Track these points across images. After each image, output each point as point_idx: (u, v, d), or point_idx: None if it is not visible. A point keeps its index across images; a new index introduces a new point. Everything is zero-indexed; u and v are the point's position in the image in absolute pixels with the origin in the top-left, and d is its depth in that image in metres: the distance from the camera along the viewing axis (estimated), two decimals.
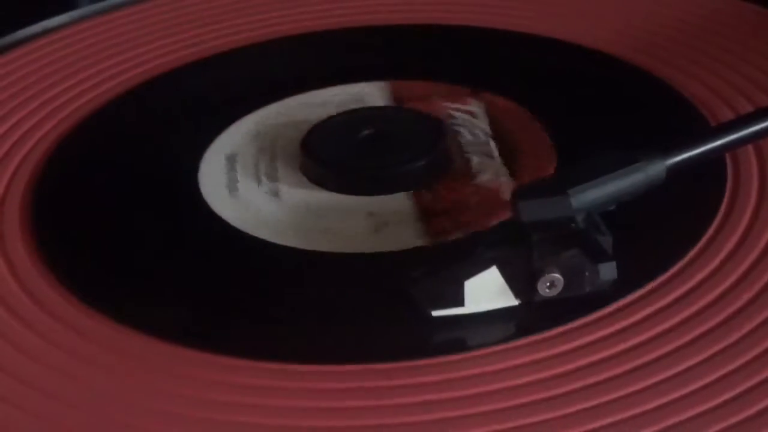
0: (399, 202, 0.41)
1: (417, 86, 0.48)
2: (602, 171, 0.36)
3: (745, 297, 0.36)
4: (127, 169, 0.44)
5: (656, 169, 0.37)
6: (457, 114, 0.46)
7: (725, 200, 0.40)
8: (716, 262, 0.37)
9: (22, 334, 0.36)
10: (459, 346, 0.34)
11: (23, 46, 0.53)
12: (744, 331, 0.34)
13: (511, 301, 0.35)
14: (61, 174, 0.44)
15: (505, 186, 0.41)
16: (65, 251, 0.40)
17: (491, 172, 0.42)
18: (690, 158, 0.37)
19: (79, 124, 0.47)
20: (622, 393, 0.32)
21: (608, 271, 0.34)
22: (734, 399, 0.32)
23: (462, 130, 0.45)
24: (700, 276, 0.37)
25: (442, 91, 0.47)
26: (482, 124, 0.45)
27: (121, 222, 0.41)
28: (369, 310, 0.36)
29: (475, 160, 0.43)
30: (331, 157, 0.43)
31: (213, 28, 0.53)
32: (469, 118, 0.45)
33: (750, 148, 0.42)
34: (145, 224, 0.41)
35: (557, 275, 0.34)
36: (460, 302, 0.35)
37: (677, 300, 0.36)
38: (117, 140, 0.46)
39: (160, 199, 0.42)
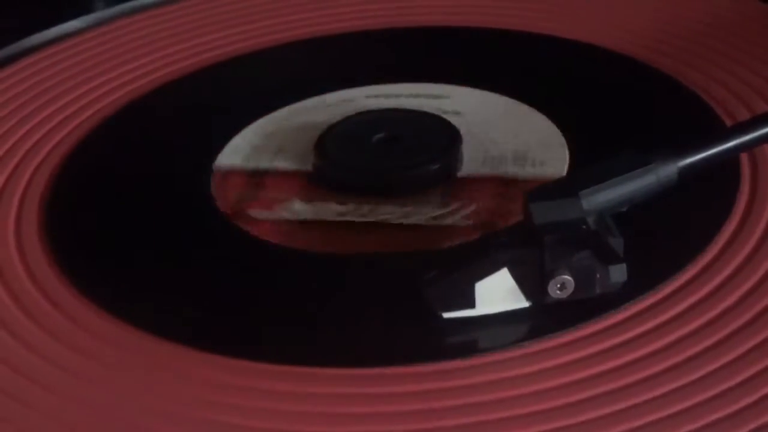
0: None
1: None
2: (613, 173, 0.36)
3: (763, 302, 0.36)
4: (142, 172, 0.44)
5: (668, 171, 0.36)
6: None
7: (742, 203, 0.40)
8: (733, 265, 0.37)
9: (34, 333, 0.36)
10: (470, 350, 0.34)
11: (40, 51, 0.53)
12: (761, 337, 0.34)
13: (522, 302, 0.35)
14: (79, 177, 0.44)
15: None
16: (80, 253, 0.40)
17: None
18: (702, 160, 0.37)
19: (95, 129, 0.47)
20: (637, 400, 0.32)
21: (618, 273, 0.34)
22: (755, 404, 0.32)
23: None
24: (716, 281, 0.37)
25: None
26: None
27: (136, 226, 0.41)
28: (383, 313, 0.36)
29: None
30: (345, 159, 0.43)
31: (223, 33, 0.54)
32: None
33: (766, 149, 0.42)
34: (160, 228, 0.41)
35: (568, 277, 0.34)
36: (471, 304, 0.35)
37: (693, 305, 0.36)
38: (130, 145, 0.46)
39: (173, 202, 0.42)
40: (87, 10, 0.55)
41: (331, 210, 0.41)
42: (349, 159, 0.43)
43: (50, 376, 0.34)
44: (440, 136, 0.43)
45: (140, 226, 0.41)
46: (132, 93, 0.49)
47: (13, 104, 0.49)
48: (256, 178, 0.43)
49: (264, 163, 0.44)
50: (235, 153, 0.44)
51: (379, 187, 0.42)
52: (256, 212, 0.41)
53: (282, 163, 0.44)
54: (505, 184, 0.42)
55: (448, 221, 0.40)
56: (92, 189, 0.44)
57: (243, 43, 0.53)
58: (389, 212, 0.40)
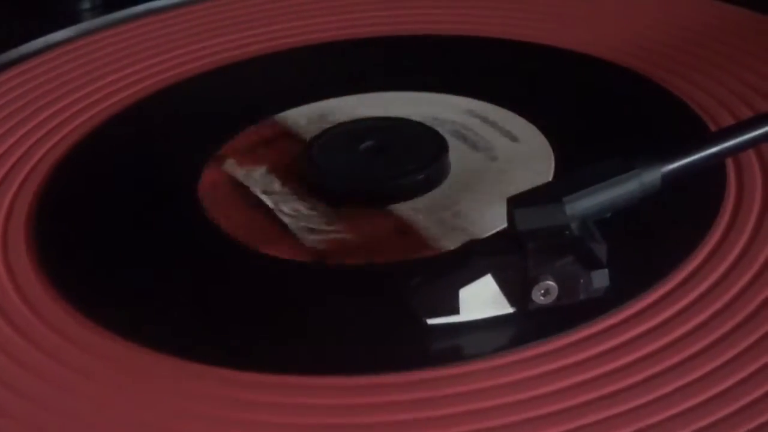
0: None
1: None
2: (597, 179, 0.36)
3: (749, 307, 0.36)
4: (131, 184, 0.44)
5: (651, 176, 0.37)
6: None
7: (729, 207, 0.40)
8: (721, 270, 0.37)
9: (20, 345, 0.36)
10: (456, 357, 0.35)
11: (29, 60, 0.53)
12: (747, 342, 0.34)
13: (506, 308, 0.35)
14: (67, 189, 0.44)
15: None
16: (68, 265, 0.40)
17: None
18: (686, 165, 0.37)
19: (83, 139, 0.47)
20: (629, 405, 0.32)
21: (601, 278, 0.34)
22: (738, 411, 0.32)
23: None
24: (704, 285, 0.37)
25: None
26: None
27: (124, 236, 0.41)
28: (367, 321, 0.36)
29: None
30: (337, 168, 0.43)
31: (212, 42, 0.54)
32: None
33: (752, 155, 0.42)
34: (150, 238, 0.41)
35: (551, 283, 0.34)
36: (456, 310, 0.35)
37: (681, 311, 0.36)
38: (119, 155, 0.46)
39: (163, 212, 0.42)
40: (74, 20, 0.56)
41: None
42: (336, 168, 0.43)
43: (34, 387, 0.34)
44: (429, 144, 0.43)
45: (128, 236, 0.41)
46: (119, 103, 0.49)
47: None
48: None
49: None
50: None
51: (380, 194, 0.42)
52: None
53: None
54: None
55: None
56: (81, 199, 0.44)
57: (232, 53, 0.53)
58: None
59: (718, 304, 0.36)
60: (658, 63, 0.49)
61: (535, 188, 0.37)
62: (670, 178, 0.37)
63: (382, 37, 0.53)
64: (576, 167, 0.38)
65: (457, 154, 0.43)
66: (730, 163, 0.42)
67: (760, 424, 0.31)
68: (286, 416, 0.33)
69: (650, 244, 0.38)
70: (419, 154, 0.43)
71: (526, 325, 0.35)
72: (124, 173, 0.45)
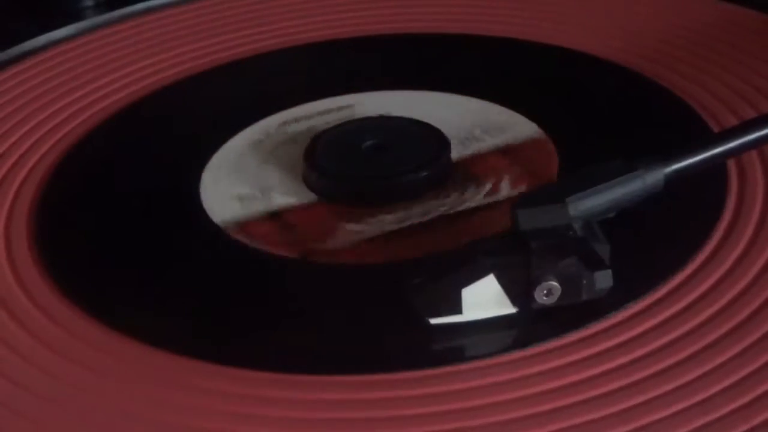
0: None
1: None
2: (600, 179, 0.36)
3: (749, 308, 0.36)
4: (132, 182, 0.44)
5: (654, 177, 0.37)
6: None
7: (731, 208, 0.40)
8: (721, 271, 0.37)
9: (24, 340, 0.36)
10: (458, 356, 0.35)
11: (30, 58, 0.53)
12: (746, 343, 0.34)
13: (509, 308, 0.35)
14: (70, 186, 0.44)
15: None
16: (70, 262, 0.40)
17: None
18: (689, 166, 0.37)
19: (83, 138, 0.47)
20: (622, 406, 0.32)
21: (604, 279, 0.34)
22: (736, 411, 0.32)
23: None
24: (704, 286, 0.37)
25: None
26: None
27: (126, 234, 0.41)
28: (368, 320, 0.36)
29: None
30: (339, 168, 0.43)
31: (209, 42, 0.54)
32: None
33: (755, 155, 0.42)
34: (150, 236, 0.41)
35: (554, 283, 0.34)
36: (458, 310, 0.35)
37: (681, 311, 0.36)
38: (119, 153, 0.46)
39: (165, 211, 0.42)
40: (76, 17, 0.56)
41: (386, 221, 0.41)
42: (345, 167, 0.43)
43: (40, 383, 0.34)
44: (428, 139, 0.43)
45: (129, 234, 0.41)
46: (120, 101, 0.49)
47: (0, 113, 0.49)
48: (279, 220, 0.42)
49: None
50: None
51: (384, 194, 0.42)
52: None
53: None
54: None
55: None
56: (82, 197, 0.44)
57: (236, 50, 0.53)
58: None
59: (715, 306, 0.36)
60: (659, 63, 0.49)
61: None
62: (673, 179, 0.37)
63: (381, 36, 0.53)
64: (578, 168, 0.38)
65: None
66: (731, 163, 0.42)
67: (752, 426, 0.31)
68: (284, 411, 0.33)
69: (648, 247, 0.38)
70: (421, 153, 0.43)
71: (522, 326, 0.35)
72: (126, 171, 0.45)
